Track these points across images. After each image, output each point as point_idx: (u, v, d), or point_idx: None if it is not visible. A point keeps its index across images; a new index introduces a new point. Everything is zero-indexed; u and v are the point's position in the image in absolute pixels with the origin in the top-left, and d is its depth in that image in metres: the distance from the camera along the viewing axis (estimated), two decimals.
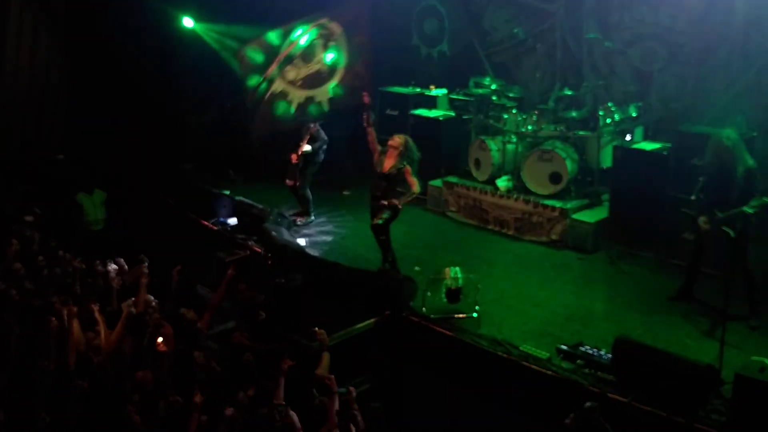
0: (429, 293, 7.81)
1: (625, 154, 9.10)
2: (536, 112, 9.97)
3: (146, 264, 7.09)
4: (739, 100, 9.15)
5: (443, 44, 11.97)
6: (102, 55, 12.23)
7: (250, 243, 9.53)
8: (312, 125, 10.18)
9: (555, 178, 9.59)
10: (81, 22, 12.47)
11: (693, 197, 7.21)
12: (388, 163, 8.23)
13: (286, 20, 10.62)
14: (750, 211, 6.76)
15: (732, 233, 6.88)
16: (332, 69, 10.52)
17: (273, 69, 10.31)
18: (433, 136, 10.65)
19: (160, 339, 5.82)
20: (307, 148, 10.08)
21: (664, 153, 8.77)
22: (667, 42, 9.72)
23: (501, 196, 9.94)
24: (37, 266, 7.41)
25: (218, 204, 10.53)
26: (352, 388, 5.54)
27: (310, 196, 10.43)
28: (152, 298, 6.77)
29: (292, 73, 10.46)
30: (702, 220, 7.23)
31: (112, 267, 7.20)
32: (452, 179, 10.57)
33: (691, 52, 9.55)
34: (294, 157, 10.09)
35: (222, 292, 6.87)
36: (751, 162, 7.12)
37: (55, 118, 12.92)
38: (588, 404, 5.08)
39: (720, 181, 7.11)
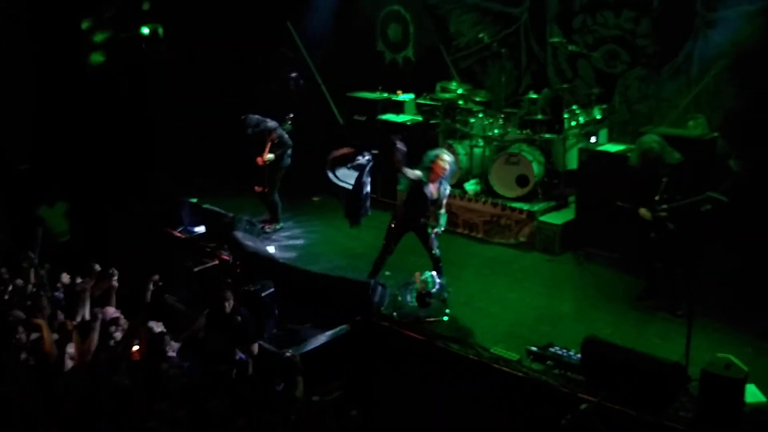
0: (400, 298, 7.83)
1: (590, 156, 9.21)
2: (502, 116, 10.06)
3: (116, 277, 7.02)
4: (699, 101, 9.33)
5: (408, 50, 12.03)
6: (68, 61, 12.06)
7: (218, 251, 9.46)
8: (273, 131, 10.11)
9: (522, 180, 9.68)
10: (46, 28, 12.29)
11: (657, 197, 7.32)
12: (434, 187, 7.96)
13: None
14: (723, 198, 6.93)
15: (671, 225, 7.12)
16: None
17: None
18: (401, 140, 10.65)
19: (135, 347, 5.78)
20: (270, 156, 10.03)
21: (629, 154, 8.87)
22: (630, 45, 9.88)
23: (469, 200, 10.00)
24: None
25: (186, 212, 10.43)
26: (325, 398, 5.54)
27: (279, 203, 10.39)
28: (114, 309, 6.71)
29: None
30: (643, 211, 7.39)
31: (79, 279, 7.12)
32: None
33: (652, 55, 9.71)
34: (260, 160, 10.05)
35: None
36: (677, 155, 7.39)
37: (20, 126, 12.69)
38: (583, 406, 5.09)
39: (649, 179, 7.40)
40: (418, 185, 7.89)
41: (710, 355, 6.23)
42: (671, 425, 5.86)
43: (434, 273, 7.95)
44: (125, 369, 5.45)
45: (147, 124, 12.30)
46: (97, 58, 11.43)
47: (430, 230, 8.05)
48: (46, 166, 11.79)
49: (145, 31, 12.14)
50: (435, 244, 8.14)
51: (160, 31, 12.49)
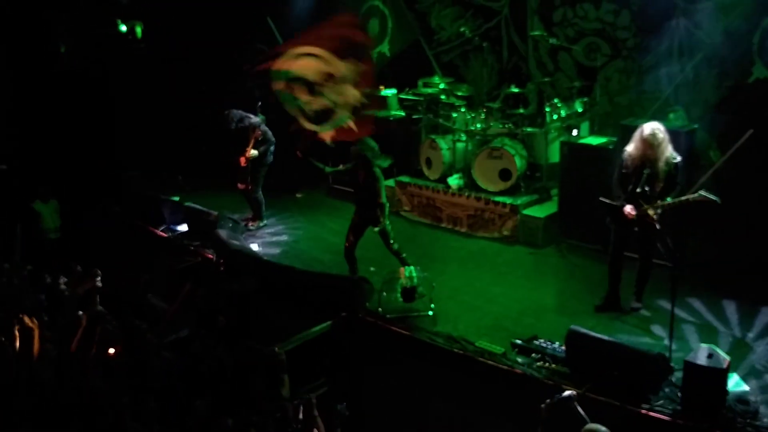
0: (384, 293, 7.83)
1: (571, 149, 9.25)
2: (485, 110, 10.08)
3: (99, 278, 6.97)
4: (679, 93, 9.38)
5: (384, 45, 12.00)
6: (44, 61, 11.94)
7: (201, 249, 9.42)
8: (257, 128, 10.07)
9: (505, 174, 9.70)
10: (22, 27, 12.16)
11: (639, 190, 7.32)
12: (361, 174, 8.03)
13: None
14: (715, 198, 6.86)
15: (659, 225, 7.05)
16: None
17: None
18: (384, 136, 10.65)
19: (111, 350, 5.73)
20: (253, 152, 10.00)
21: (610, 147, 8.92)
22: (610, 37, 9.93)
23: (453, 194, 10.01)
24: None
25: (168, 211, 10.38)
26: (311, 395, 5.52)
27: (263, 200, 10.35)
28: (103, 309, 6.66)
29: None
30: (628, 209, 7.24)
31: (62, 279, 7.06)
32: (405, 179, 10.62)
33: (633, 47, 9.76)
34: (242, 160, 10.01)
35: (178, 305, 6.76)
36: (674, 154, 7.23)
37: None
38: (566, 393, 5.05)
39: (635, 171, 7.13)
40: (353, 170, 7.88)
41: (693, 345, 6.29)
42: (656, 416, 5.91)
43: (418, 267, 7.95)
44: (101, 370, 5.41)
45: (119, 121, 12.22)
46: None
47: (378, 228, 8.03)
48: (28, 166, 11.69)
49: (123, 28, 12.06)
50: (387, 238, 8.12)
51: (138, 29, 12.40)
